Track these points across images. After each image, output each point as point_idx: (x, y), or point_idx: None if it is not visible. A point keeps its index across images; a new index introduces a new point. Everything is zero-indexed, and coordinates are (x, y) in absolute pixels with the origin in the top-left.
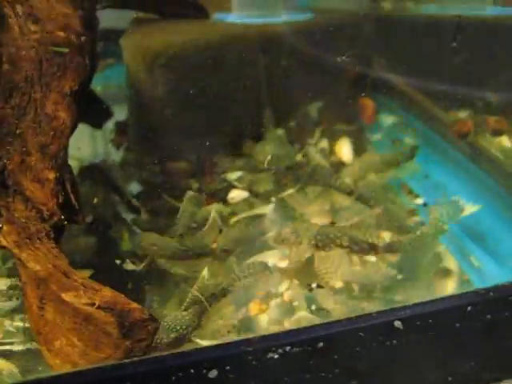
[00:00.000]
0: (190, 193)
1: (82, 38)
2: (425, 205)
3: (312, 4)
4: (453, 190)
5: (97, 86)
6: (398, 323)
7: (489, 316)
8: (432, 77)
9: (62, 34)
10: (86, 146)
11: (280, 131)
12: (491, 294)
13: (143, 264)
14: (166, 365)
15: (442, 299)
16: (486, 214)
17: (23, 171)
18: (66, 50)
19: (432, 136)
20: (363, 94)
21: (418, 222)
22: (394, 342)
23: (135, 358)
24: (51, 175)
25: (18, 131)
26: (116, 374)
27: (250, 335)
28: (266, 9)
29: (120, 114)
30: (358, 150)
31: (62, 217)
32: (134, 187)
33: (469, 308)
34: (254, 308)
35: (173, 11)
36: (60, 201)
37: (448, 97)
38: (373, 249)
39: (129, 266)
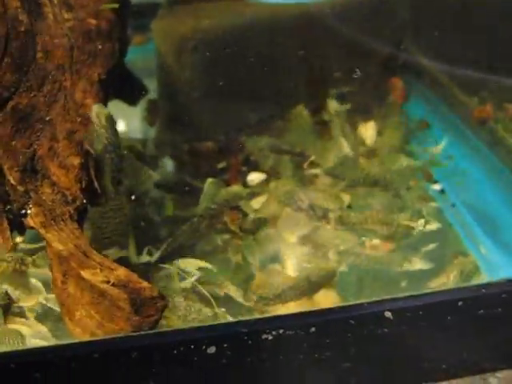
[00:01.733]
0: (209, 179)
1: (113, 25)
2: (442, 191)
3: None
4: (473, 177)
5: (137, 60)
6: (388, 314)
7: (481, 311)
8: (460, 59)
9: (93, 21)
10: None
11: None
12: (483, 290)
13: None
14: (170, 339)
15: (434, 293)
16: (499, 203)
17: (51, 157)
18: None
19: (455, 120)
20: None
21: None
22: (385, 330)
23: (143, 332)
24: (76, 161)
25: (47, 118)
26: (126, 345)
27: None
28: None
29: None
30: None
31: (85, 201)
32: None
33: (460, 303)
34: None
35: None
36: (83, 186)
37: (473, 81)
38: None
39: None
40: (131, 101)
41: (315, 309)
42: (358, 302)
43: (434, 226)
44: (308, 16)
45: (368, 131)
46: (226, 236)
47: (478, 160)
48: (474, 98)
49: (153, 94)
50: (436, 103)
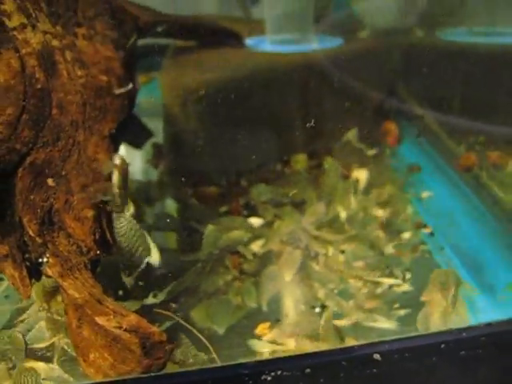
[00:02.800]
0: (210, 226)
1: (122, 81)
2: (432, 234)
3: (345, 21)
4: (459, 220)
5: (141, 100)
6: (376, 356)
7: (462, 352)
8: (451, 107)
9: (104, 77)
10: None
11: (302, 157)
12: (464, 334)
13: None
14: (177, 381)
15: (419, 336)
16: (485, 246)
17: (67, 210)
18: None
19: (444, 165)
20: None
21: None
22: (374, 371)
23: (152, 374)
24: (90, 214)
25: (63, 173)
26: None
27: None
28: (298, 31)
29: (158, 130)
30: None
31: (98, 252)
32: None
33: (442, 346)
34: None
35: (210, 39)
36: (97, 237)
37: (460, 129)
38: None
39: None
40: (136, 144)
41: (310, 351)
42: (349, 345)
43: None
44: (305, 64)
45: (361, 177)
46: (228, 278)
47: (464, 204)
48: (460, 144)
49: (157, 137)
50: (427, 147)
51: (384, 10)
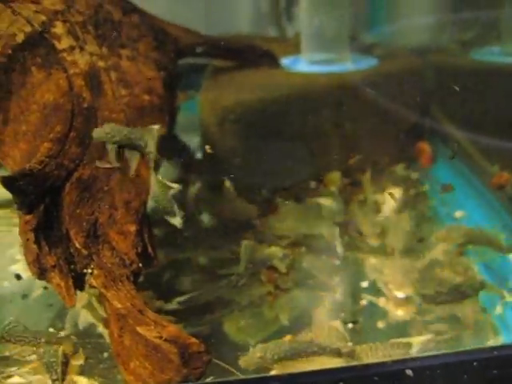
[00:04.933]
0: (245, 242)
1: (164, 100)
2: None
3: (379, 40)
4: None
5: (180, 118)
6: (409, 372)
7: (494, 371)
8: (485, 127)
9: (147, 97)
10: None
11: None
12: (496, 352)
13: None
14: None
15: (451, 354)
16: None
17: (110, 224)
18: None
19: (477, 184)
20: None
21: None
22: None
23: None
24: (132, 228)
25: (107, 188)
26: None
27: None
28: (332, 52)
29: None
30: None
31: (140, 265)
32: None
33: (474, 363)
34: None
35: (247, 60)
36: (139, 251)
37: (494, 148)
38: None
39: None
40: (174, 160)
41: (344, 365)
42: (381, 360)
43: None
44: (341, 85)
45: (393, 197)
46: (262, 291)
47: (497, 223)
48: (494, 164)
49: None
50: (460, 167)
51: (419, 30)
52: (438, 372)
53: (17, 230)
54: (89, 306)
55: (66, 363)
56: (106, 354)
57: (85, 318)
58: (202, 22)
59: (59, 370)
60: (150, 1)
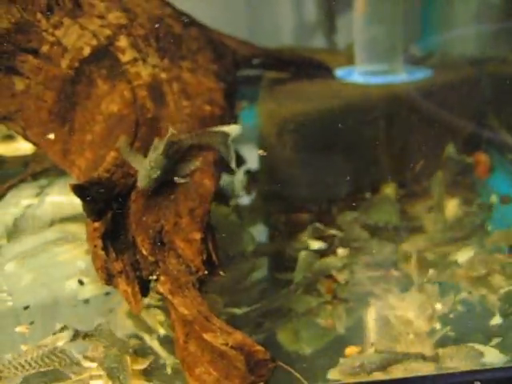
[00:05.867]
0: (302, 253)
1: (224, 110)
2: None
3: (435, 51)
4: None
5: None
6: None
7: None
8: None
9: (208, 107)
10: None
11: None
12: None
13: None
14: None
15: None
16: None
17: (176, 231)
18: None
19: None
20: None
21: None
22: None
23: None
24: (198, 236)
25: (172, 197)
26: None
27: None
28: (386, 62)
29: (250, 157)
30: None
31: (205, 272)
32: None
33: None
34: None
35: (302, 71)
36: (204, 258)
37: None
38: None
39: None
40: (230, 170)
41: (411, 376)
42: (451, 371)
43: None
44: (395, 96)
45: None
46: (320, 300)
47: None
48: None
49: (249, 164)
50: None
51: (474, 40)
52: None
53: None
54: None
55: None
56: None
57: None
58: (246, 35)
59: (122, 377)
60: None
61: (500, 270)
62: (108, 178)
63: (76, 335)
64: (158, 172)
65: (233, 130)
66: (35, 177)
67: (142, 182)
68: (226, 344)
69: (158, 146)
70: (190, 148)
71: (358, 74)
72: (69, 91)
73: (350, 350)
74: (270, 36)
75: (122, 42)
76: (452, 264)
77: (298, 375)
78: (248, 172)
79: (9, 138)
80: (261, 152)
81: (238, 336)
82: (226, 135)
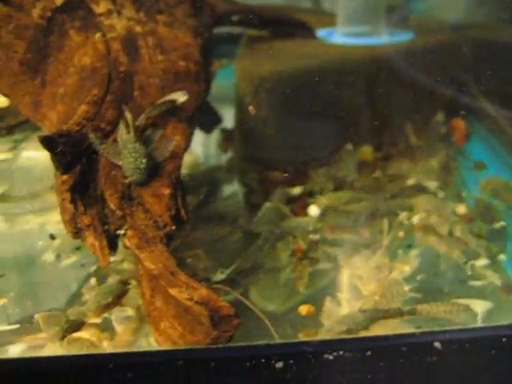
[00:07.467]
0: (266, 204)
1: (200, 66)
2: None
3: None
4: None
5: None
6: (437, 344)
7: None
8: None
9: (183, 63)
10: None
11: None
12: None
13: None
14: (243, 353)
15: (480, 328)
16: None
17: (145, 187)
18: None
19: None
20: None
21: None
22: (434, 359)
23: (220, 345)
24: (167, 191)
25: None
26: (204, 355)
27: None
28: (368, 24)
29: (227, 116)
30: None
31: (173, 227)
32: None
33: (504, 339)
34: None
35: (282, 30)
36: (172, 213)
37: None
38: None
39: None
40: (207, 129)
41: (372, 335)
42: (410, 331)
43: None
44: (375, 58)
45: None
46: (291, 260)
47: None
48: None
49: (226, 123)
50: (494, 144)
51: (457, 3)
52: (466, 346)
53: None
54: None
55: None
56: None
57: None
58: None
59: None
60: None
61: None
62: (78, 130)
63: None
64: (144, 160)
65: (179, 96)
66: (10, 131)
67: (132, 177)
68: (191, 299)
69: (126, 136)
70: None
71: (339, 35)
72: (41, 42)
73: (303, 309)
74: None
75: None
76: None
77: (270, 326)
78: (224, 131)
79: None
80: (251, 108)
81: (203, 291)
82: (172, 103)
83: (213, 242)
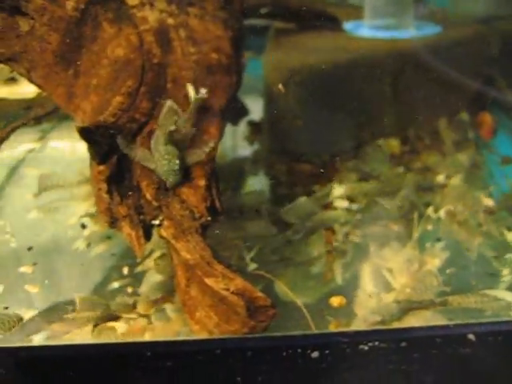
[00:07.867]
0: (301, 199)
1: (231, 59)
2: None
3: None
4: None
5: None
6: (471, 336)
7: None
8: None
9: (214, 55)
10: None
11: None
12: None
13: None
14: (281, 343)
15: None
16: None
17: None
18: None
19: None
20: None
21: None
22: (467, 351)
23: (256, 335)
24: (202, 183)
25: None
26: (241, 345)
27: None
28: (395, 17)
29: (253, 108)
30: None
31: (209, 218)
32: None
33: None
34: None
35: (310, 23)
36: (208, 204)
37: None
38: None
39: None
40: (234, 121)
41: (407, 326)
42: (444, 323)
43: None
44: (403, 51)
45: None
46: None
47: None
48: None
49: (253, 115)
50: None
51: None
52: (499, 339)
53: None
54: None
55: None
56: None
57: None
58: None
59: None
60: None
61: None
62: (113, 122)
63: None
64: (177, 161)
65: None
66: (38, 121)
67: (168, 180)
68: (227, 289)
69: (159, 138)
70: None
71: (367, 28)
72: (74, 33)
73: (335, 300)
74: None
75: None
76: None
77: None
78: (251, 123)
79: (12, 80)
80: (280, 87)
81: (239, 282)
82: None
83: (242, 233)
